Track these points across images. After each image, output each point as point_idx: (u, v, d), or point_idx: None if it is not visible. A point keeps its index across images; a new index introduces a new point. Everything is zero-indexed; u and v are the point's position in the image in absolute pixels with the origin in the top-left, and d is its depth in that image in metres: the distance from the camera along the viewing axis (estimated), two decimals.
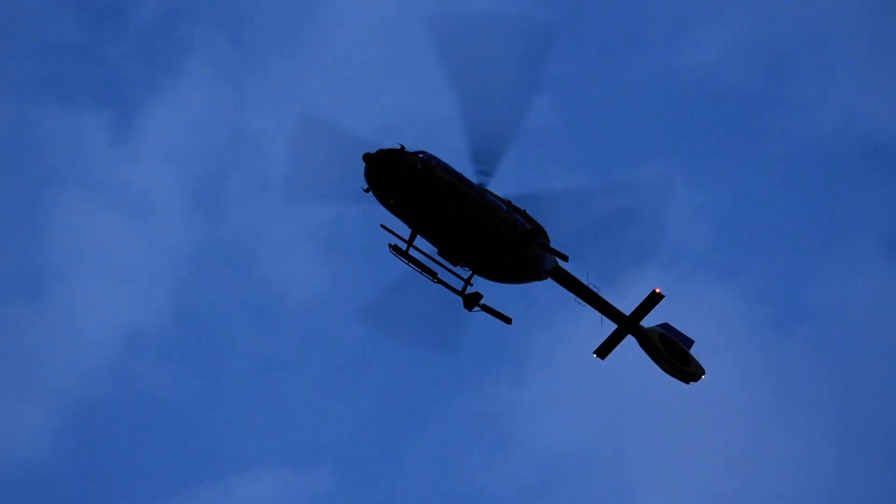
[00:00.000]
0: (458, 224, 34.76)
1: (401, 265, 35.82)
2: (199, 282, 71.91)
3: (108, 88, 72.97)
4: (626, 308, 37.62)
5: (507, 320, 36.32)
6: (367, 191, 34.64)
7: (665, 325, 38.28)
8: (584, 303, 37.15)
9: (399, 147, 34.33)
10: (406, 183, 34.18)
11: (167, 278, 71.63)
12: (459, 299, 35.94)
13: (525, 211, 35.76)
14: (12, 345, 67.61)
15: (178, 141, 74.21)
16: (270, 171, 71.40)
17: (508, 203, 35.62)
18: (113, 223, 72.56)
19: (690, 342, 38.31)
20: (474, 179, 35.34)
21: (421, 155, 34.54)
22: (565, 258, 35.40)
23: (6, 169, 71.26)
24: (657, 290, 36.99)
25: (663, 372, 37.98)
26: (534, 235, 35.28)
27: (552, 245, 35.81)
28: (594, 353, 37.92)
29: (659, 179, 36.82)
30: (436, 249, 35.70)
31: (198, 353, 69.94)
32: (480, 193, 35.01)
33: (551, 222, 36.01)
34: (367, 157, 34.21)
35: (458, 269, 35.97)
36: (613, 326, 37.76)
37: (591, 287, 37.01)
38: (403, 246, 35.50)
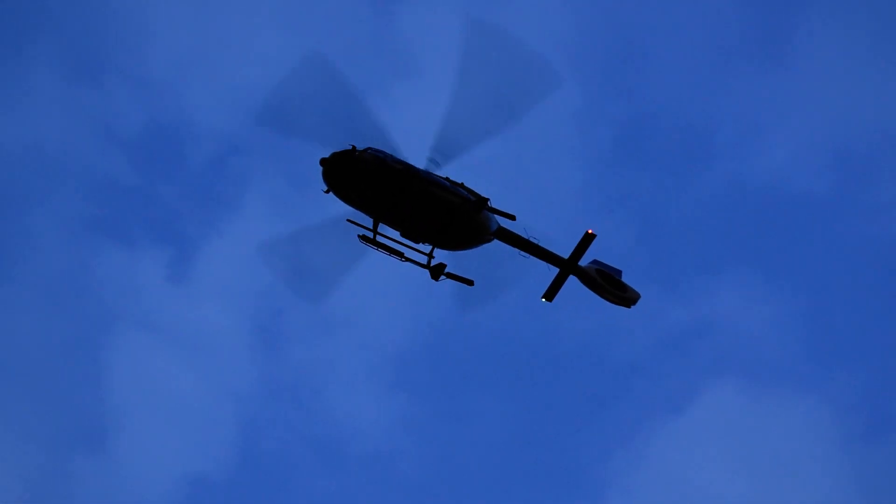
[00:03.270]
0: (415, 205, 39.07)
1: None
2: (263, 423, 71.58)
3: (163, 227, 72.28)
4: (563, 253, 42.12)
5: (469, 282, 40.61)
6: (326, 191, 38.76)
7: (596, 262, 42.96)
8: (527, 255, 41.54)
9: (350, 147, 38.49)
10: (362, 178, 38.43)
11: (230, 420, 71.02)
12: None
13: (462, 184, 40.07)
14: (75, 495, 67.14)
15: (236, 277, 73.08)
16: (330, 304, 72.20)
17: (448, 179, 39.87)
18: (173, 364, 71.37)
19: (620, 272, 43.08)
20: (422, 165, 39.66)
21: (370, 151, 38.74)
22: (513, 218, 39.91)
23: (64, 313, 70.17)
24: (590, 231, 41.50)
25: (607, 302, 42.62)
26: (482, 203, 39.66)
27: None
28: (542, 297, 42.29)
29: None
30: (398, 233, 39.93)
31: (265, 497, 69.71)
32: (428, 174, 39.31)
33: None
34: (323, 162, 38.49)
35: (420, 246, 40.24)
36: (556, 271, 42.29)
37: (531, 240, 41.50)
38: (369, 235, 39.64)
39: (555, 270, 41.94)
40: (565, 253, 41.90)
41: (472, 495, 69.92)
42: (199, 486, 68.12)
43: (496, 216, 40.58)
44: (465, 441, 72.05)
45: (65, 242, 72.15)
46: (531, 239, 41.59)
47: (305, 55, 38.53)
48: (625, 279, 42.94)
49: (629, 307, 42.86)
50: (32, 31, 73.02)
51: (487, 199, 39.96)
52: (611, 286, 42.59)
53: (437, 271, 40.39)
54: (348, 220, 39.77)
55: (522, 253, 41.61)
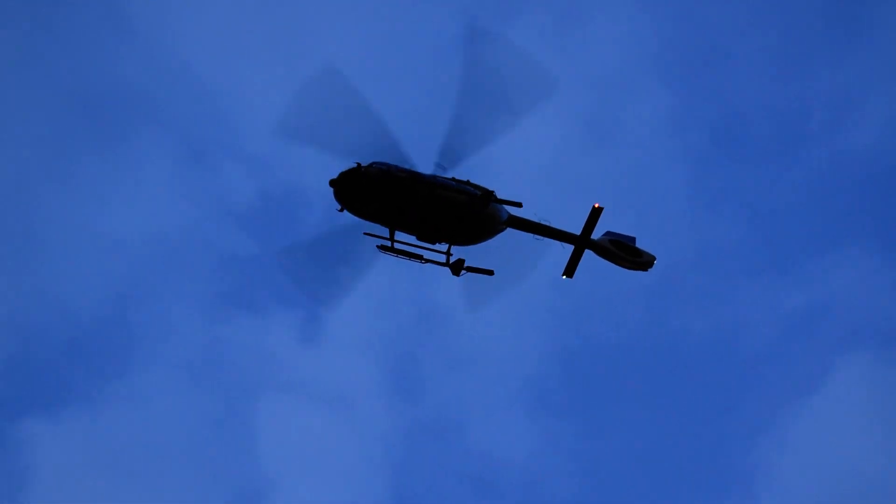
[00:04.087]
0: (424, 208, 41.59)
1: None
2: (414, 465, 73.21)
3: (288, 291, 74.49)
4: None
5: (490, 272, 43.29)
6: (340, 210, 41.57)
7: (608, 233, 45.37)
8: (541, 237, 44.14)
9: (356, 165, 41.30)
10: (370, 191, 41.11)
11: (382, 467, 72.70)
12: None
13: (469, 181, 42.62)
14: None
15: (365, 327, 73.85)
16: (462, 341, 73.00)
17: (454, 179, 42.63)
18: (317, 422, 73.20)
19: (634, 239, 45.55)
20: (430, 171, 42.07)
21: (374, 165, 41.40)
22: (519, 205, 42.27)
23: (208, 387, 72.16)
24: (596, 205, 43.87)
25: (627, 269, 45.16)
26: (489, 195, 42.27)
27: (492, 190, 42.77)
28: (562, 275, 44.87)
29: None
30: (414, 238, 42.75)
31: None
32: (434, 178, 41.98)
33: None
34: (332, 183, 41.14)
35: (437, 247, 43.03)
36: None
37: (542, 222, 44.09)
38: (387, 244, 42.54)
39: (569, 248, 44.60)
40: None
41: None
42: None
43: (507, 212, 43.38)
44: (612, 453, 74.15)
45: (199, 320, 74.07)
46: (543, 222, 44.23)
47: (320, 68, 40.84)
48: (639, 244, 45.40)
49: (647, 270, 45.18)
50: (138, 123, 75.38)
51: (493, 192, 42.42)
52: (626, 254, 44.94)
53: (457, 267, 42.91)
54: (365, 234, 42.60)
55: (536, 237, 44.24)
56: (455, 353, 74.46)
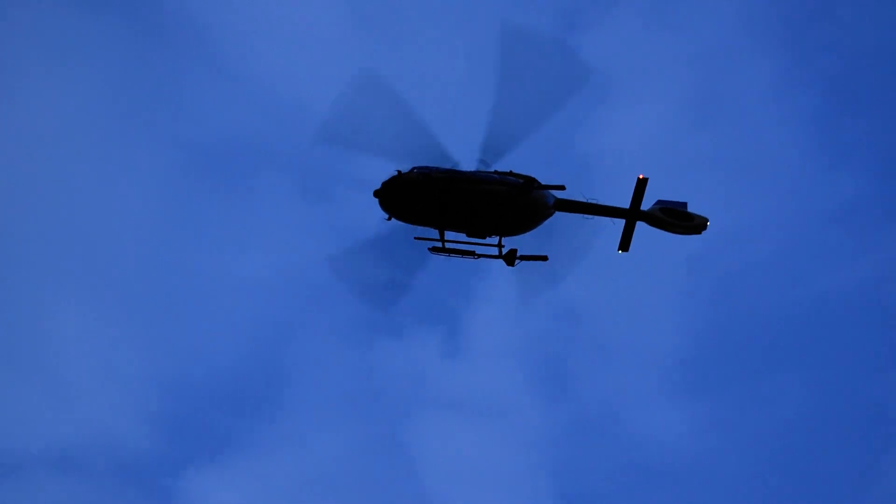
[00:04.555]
0: (469, 205, 42.58)
1: None
2: (575, 464, 74.83)
3: (426, 309, 74.66)
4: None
5: (544, 258, 44.48)
6: (388, 219, 42.97)
7: (659, 202, 45.96)
8: (590, 217, 45.11)
9: (397, 172, 42.63)
10: (413, 196, 42.39)
11: (543, 470, 74.51)
12: None
13: (511, 171, 43.48)
14: None
15: (503, 333, 75.98)
16: (601, 333, 75.19)
17: (496, 172, 43.36)
18: (473, 433, 75.19)
19: (684, 203, 46.19)
20: (474, 167, 43.02)
21: (415, 170, 42.65)
22: (562, 188, 43.00)
23: (359, 416, 74.19)
24: (641, 176, 44.39)
25: (680, 235, 45.83)
26: (531, 183, 43.09)
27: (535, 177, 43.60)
28: (618, 249, 45.68)
29: None
30: (463, 235, 44.03)
31: None
32: (474, 174, 42.95)
33: None
34: (377, 193, 42.42)
35: (488, 241, 44.30)
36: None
37: (590, 201, 44.93)
38: (437, 245, 44.00)
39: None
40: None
41: (797, 476, 73.59)
42: None
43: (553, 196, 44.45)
44: (770, 425, 75.29)
45: (344, 351, 76.29)
46: (590, 200, 45.19)
47: (357, 74, 42.04)
48: (690, 209, 46.08)
49: (700, 233, 45.75)
50: (257, 165, 77.27)
51: (534, 180, 43.32)
52: (677, 220, 45.56)
53: (510, 258, 43.94)
54: (416, 238, 43.89)
55: (585, 216, 45.20)
56: (596, 345, 76.19)
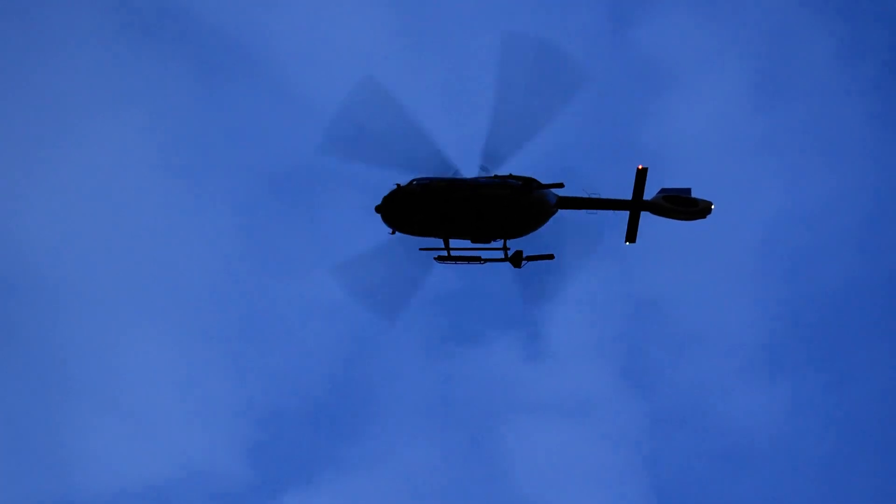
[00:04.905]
0: (470, 211, 43.44)
1: None
2: (668, 457, 75.24)
3: (506, 316, 75.03)
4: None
5: (550, 257, 45.19)
6: (392, 233, 44.00)
7: (662, 190, 46.34)
8: (594, 211, 45.70)
9: (396, 186, 43.68)
10: (414, 208, 43.32)
11: (636, 466, 74.91)
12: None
13: (510, 174, 44.11)
14: None
15: (585, 331, 76.21)
16: (681, 323, 75.76)
17: (496, 177, 44.09)
18: (563, 434, 75.64)
19: (688, 189, 46.53)
20: (475, 173, 43.95)
21: (414, 182, 43.59)
22: (561, 185, 43.62)
23: (448, 427, 74.84)
24: (640, 167, 44.86)
25: (685, 221, 46.19)
26: (529, 184, 43.78)
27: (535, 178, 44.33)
28: (625, 241, 46.21)
29: None
30: (468, 242, 44.88)
31: None
32: (474, 180, 43.74)
33: None
34: (378, 209, 43.52)
35: (493, 245, 45.07)
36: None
37: (592, 196, 45.50)
38: (443, 254, 44.98)
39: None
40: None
41: (889, 454, 73.04)
42: None
43: (554, 195, 45.06)
44: (861, 403, 75.17)
45: (425, 363, 76.83)
46: (592, 196, 45.71)
47: (360, 81, 42.96)
48: (694, 194, 46.46)
49: (705, 217, 46.11)
50: (321, 189, 76.97)
51: (533, 180, 43.98)
52: (681, 206, 45.94)
53: (516, 259, 44.64)
54: (420, 249, 44.82)
55: (588, 211, 45.78)
56: (675, 336, 75.88)
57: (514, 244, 45.16)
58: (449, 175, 44.13)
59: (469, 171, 44.63)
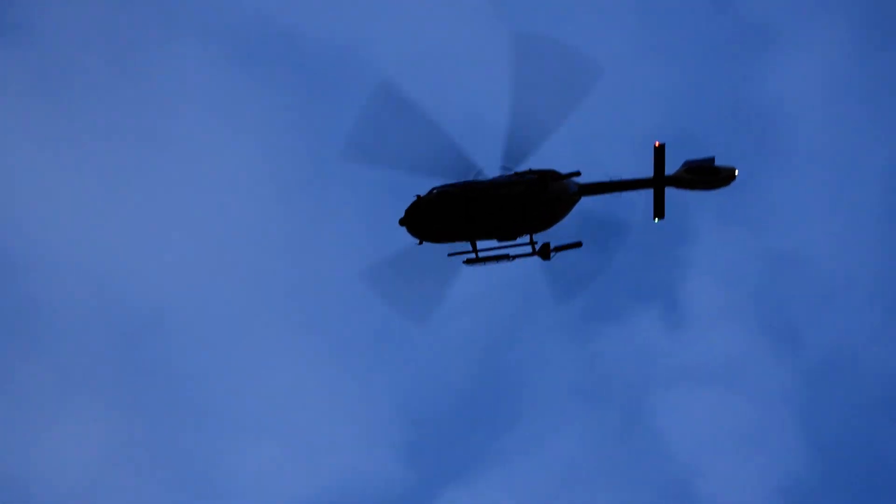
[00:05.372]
0: (491, 212, 44.26)
1: None
2: (824, 414, 75.19)
3: (642, 288, 75.74)
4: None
5: (578, 245, 45.64)
6: (420, 244, 45.00)
7: (686, 162, 46.21)
8: (618, 194, 46.02)
9: (416, 198, 44.62)
10: (435, 217, 44.31)
11: (792, 426, 74.73)
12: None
13: (529, 170, 44.69)
14: None
15: (722, 294, 76.16)
16: (819, 275, 75.52)
17: (514, 174, 44.76)
18: (713, 400, 75.24)
19: (712, 158, 46.31)
20: (498, 173, 44.79)
21: (433, 191, 44.53)
22: (578, 174, 44.23)
23: (598, 407, 75.35)
24: (657, 144, 44.99)
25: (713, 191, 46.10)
26: (545, 178, 44.35)
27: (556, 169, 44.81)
28: (654, 218, 46.31)
29: None
30: (494, 242, 45.54)
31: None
32: (493, 180, 44.47)
33: None
34: (402, 222, 44.53)
35: (519, 242, 45.87)
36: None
37: (613, 179, 45.63)
38: (471, 257, 45.83)
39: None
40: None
41: None
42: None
43: (574, 183, 45.53)
44: None
45: (569, 345, 76.96)
46: (612, 179, 45.78)
47: (380, 85, 43.94)
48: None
49: (728, 184, 45.89)
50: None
51: (549, 173, 44.56)
52: (703, 177, 45.82)
53: (545, 252, 45.34)
54: (450, 255, 45.66)
55: (613, 195, 46.13)
56: (815, 288, 75.23)
57: (542, 237, 45.69)
58: (471, 177, 44.86)
59: (491, 170, 45.35)
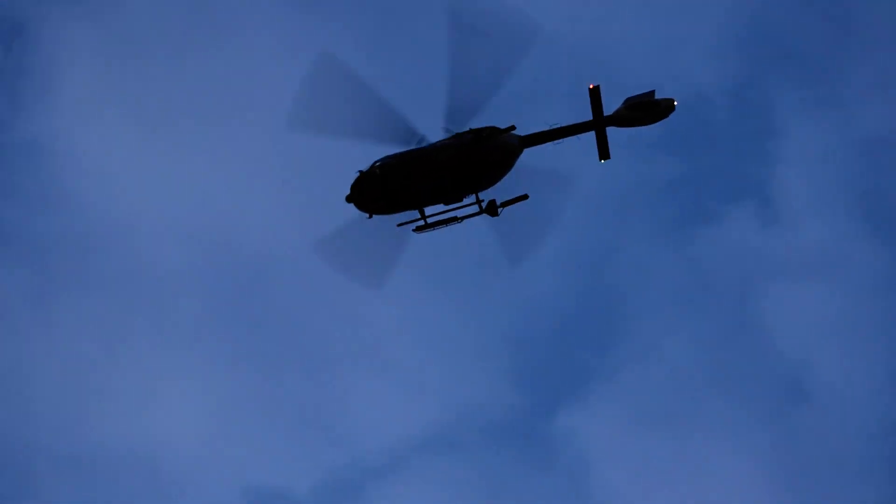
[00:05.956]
0: (433, 177, 44.36)
1: None
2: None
3: (734, 187, 77.94)
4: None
5: (525, 198, 45.19)
6: (370, 217, 45.29)
7: (627, 99, 45.42)
8: (560, 140, 45.33)
9: (358, 173, 44.94)
10: (380, 189, 44.55)
11: None
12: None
13: (469, 129, 44.50)
14: None
15: (818, 185, 76.97)
16: None
17: (454, 136, 44.65)
18: (820, 292, 74.57)
19: (652, 92, 45.17)
20: (441, 135, 44.84)
21: (375, 165, 44.76)
22: (512, 128, 44.09)
23: (705, 307, 75.16)
24: (591, 86, 44.47)
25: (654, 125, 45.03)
26: (478, 136, 44.22)
27: (497, 126, 44.63)
28: (599, 160, 45.52)
29: None
30: (440, 206, 45.63)
31: None
32: (430, 147, 44.64)
33: None
34: (349, 199, 44.89)
35: (466, 202, 45.65)
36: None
37: (555, 126, 45.19)
38: (420, 224, 45.84)
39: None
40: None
41: None
42: None
43: (514, 136, 44.98)
44: None
45: (669, 249, 76.25)
46: (554, 126, 45.28)
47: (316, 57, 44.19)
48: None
49: (669, 115, 44.84)
50: None
51: (483, 130, 44.33)
52: (643, 113, 44.87)
53: (492, 209, 45.05)
54: (398, 225, 45.56)
55: (555, 142, 45.39)
56: None
57: (487, 194, 45.52)
58: (414, 144, 44.88)
59: (434, 135, 45.26)
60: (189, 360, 75.26)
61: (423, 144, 44.92)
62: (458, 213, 45.52)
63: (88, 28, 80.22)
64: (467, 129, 44.70)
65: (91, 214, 76.95)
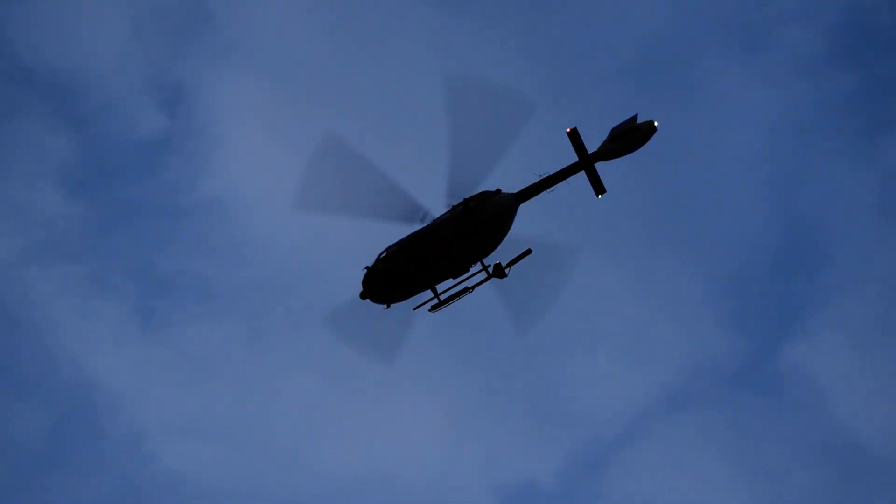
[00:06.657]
0: (438, 256, 44.12)
1: None
2: None
3: None
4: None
5: (528, 252, 43.99)
6: (388, 307, 44.99)
7: (611, 131, 44.29)
8: (552, 189, 44.03)
9: (365, 269, 44.77)
10: (389, 281, 44.42)
11: None
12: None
13: (463, 199, 44.12)
14: None
15: None
16: None
17: (451, 209, 44.38)
18: None
19: (634, 117, 43.50)
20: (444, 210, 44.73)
21: (379, 258, 44.72)
22: (499, 192, 43.95)
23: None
24: (568, 130, 43.71)
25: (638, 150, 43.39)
26: (467, 207, 43.77)
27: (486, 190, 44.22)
28: (597, 196, 44.12)
29: None
30: (450, 281, 45.07)
31: None
32: (429, 225, 44.41)
33: None
34: (363, 295, 44.87)
35: (473, 271, 44.84)
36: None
37: (544, 176, 44.47)
38: (434, 302, 45.25)
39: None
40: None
41: None
42: None
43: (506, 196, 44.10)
44: None
45: (856, 163, 75.89)
46: (542, 176, 44.34)
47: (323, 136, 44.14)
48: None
49: (651, 136, 43.74)
50: None
51: (471, 201, 43.85)
52: (627, 142, 43.53)
53: (499, 272, 44.38)
54: (414, 308, 45.23)
55: (548, 190, 44.10)
56: None
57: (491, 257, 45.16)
58: (418, 220, 44.28)
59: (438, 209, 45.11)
60: (412, 374, 75.63)
61: (427, 221, 44.60)
62: (469, 284, 44.89)
63: (245, 80, 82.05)
64: (460, 200, 44.22)
65: (282, 258, 76.97)
